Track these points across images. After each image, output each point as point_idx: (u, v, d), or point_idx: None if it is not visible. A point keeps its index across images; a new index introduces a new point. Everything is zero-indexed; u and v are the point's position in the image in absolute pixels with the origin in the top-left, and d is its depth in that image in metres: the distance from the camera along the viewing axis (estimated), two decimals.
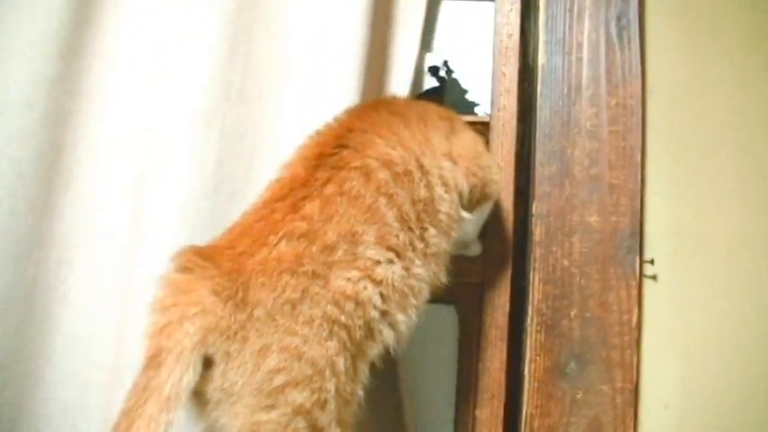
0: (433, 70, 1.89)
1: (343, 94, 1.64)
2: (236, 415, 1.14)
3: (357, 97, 1.64)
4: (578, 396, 1.63)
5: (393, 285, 1.27)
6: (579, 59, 1.74)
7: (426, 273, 1.34)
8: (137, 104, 1.65)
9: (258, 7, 1.67)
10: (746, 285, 1.66)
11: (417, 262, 1.32)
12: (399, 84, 1.77)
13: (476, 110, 1.91)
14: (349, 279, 1.22)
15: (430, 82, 1.89)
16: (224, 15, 1.62)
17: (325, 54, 1.67)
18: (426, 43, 1.87)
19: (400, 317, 1.29)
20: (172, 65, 1.62)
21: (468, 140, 1.51)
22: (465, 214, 1.46)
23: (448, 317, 1.80)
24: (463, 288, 1.65)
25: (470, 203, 1.48)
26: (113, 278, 1.60)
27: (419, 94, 1.86)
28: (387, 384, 1.62)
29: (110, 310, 1.59)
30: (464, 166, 1.45)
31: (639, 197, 1.68)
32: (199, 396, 1.15)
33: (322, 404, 1.17)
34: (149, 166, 1.61)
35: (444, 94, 1.91)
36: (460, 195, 1.44)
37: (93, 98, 1.64)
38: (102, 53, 1.65)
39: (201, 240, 1.33)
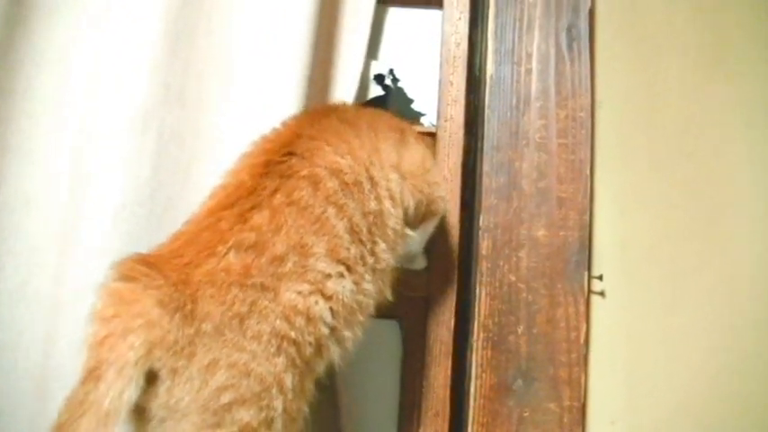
0: (379, 78, 1.85)
1: (286, 99, 1.60)
2: None
3: (301, 103, 1.60)
4: (525, 414, 1.60)
5: (343, 301, 1.24)
6: (528, 70, 1.72)
7: (374, 289, 1.32)
8: (70, 105, 1.58)
9: (201, 8, 1.62)
10: (694, 301, 1.66)
11: (367, 277, 1.29)
12: (344, 91, 1.74)
13: (422, 120, 1.87)
14: (300, 293, 1.19)
15: (375, 90, 1.85)
16: (165, 15, 1.56)
17: (268, 58, 1.63)
18: (372, 51, 1.84)
19: (347, 333, 1.27)
20: (108, 64, 1.55)
21: (417, 155, 1.47)
22: (408, 231, 1.43)
23: (391, 332, 1.77)
24: (407, 303, 1.63)
25: (415, 220, 1.45)
26: (42, 286, 1.53)
27: (363, 103, 1.82)
28: (326, 402, 1.58)
29: (37, 318, 1.52)
30: (411, 182, 1.41)
31: (588, 211, 1.66)
32: (141, 413, 1.10)
33: (269, 423, 1.14)
34: (82, 170, 1.53)
35: (388, 102, 1.87)
36: (405, 212, 1.40)
37: (23, 98, 1.56)
38: (34, 51, 1.57)
39: (136, 249, 1.27)
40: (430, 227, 1.55)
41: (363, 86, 1.82)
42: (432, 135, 1.74)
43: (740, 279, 1.66)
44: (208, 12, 1.62)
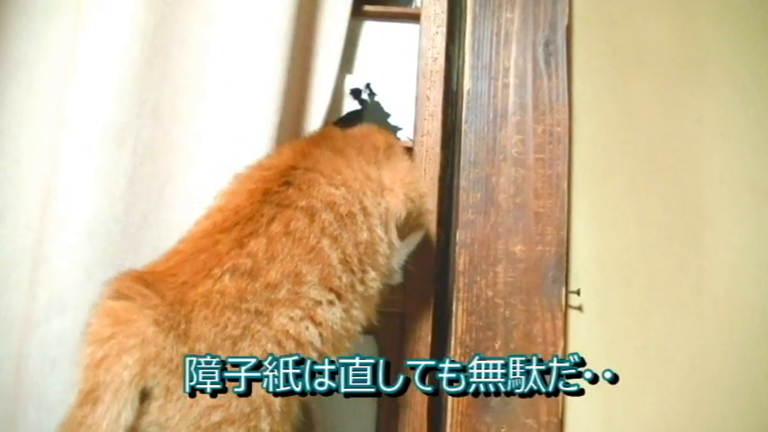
0: (356, 93, 1.84)
1: (261, 114, 1.59)
2: None
3: (276, 118, 1.59)
4: (503, 430, 1.59)
5: (332, 327, 1.26)
6: (506, 85, 1.71)
7: (363, 315, 1.34)
8: (43, 118, 1.56)
9: (176, 23, 1.60)
10: (671, 315, 1.67)
11: (356, 305, 1.32)
12: (319, 105, 1.73)
13: (398, 134, 1.85)
14: (292, 318, 1.21)
15: (352, 104, 1.84)
16: (141, 29, 1.54)
17: (243, 74, 1.61)
18: (348, 65, 1.83)
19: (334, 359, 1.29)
20: (83, 77, 1.53)
21: (407, 164, 1.51)
22: (396, 242, 1.44)
23: (368, 347, 1.74)
24: (384, 318, 1.60)
25: (403, 231, 1.46)
26: (14, 301, 1.52)
27: (338, 119, 1.81)
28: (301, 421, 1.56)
29: (9, 335, 1.51)
30: (402, 192, 1.44)
31: (566, 226, 1.66)
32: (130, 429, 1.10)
33: None
34: (55, 185, 1.51)
35: (364, 117, 1.86)
36: (396, 222, 1.42)
37: None
38: (7, 63, 1.55)
39: (110, 266, 1.28)
40: (415, 240, 1.56)
41: (339, 100, 1.81)
42: (409, 150, 1.73)
43: (717, 292, 1.67)
44: (183, 27, 1.60)
